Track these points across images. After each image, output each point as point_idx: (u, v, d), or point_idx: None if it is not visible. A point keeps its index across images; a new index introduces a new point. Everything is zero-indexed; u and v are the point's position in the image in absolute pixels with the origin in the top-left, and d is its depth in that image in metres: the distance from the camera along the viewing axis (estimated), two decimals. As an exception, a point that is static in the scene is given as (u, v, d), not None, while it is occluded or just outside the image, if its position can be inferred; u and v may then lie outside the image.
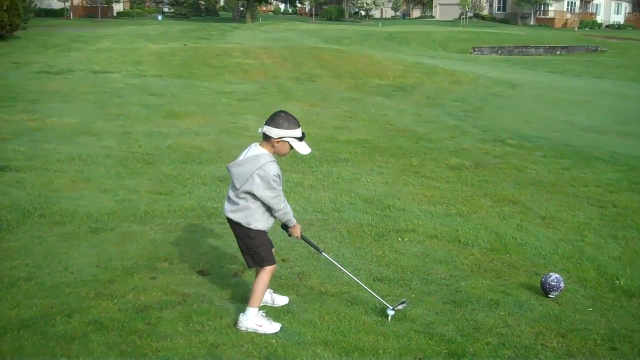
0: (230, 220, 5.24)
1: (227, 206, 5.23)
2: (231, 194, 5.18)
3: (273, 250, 5.35)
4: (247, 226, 5.15)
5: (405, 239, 7.83)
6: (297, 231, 5.41)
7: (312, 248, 5.77)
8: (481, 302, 6.10)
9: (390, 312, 5.53)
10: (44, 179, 9.37)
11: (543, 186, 10.99)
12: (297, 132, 5.04)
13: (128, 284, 5.87)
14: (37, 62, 24.70)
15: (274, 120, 5.02)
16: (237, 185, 5.07)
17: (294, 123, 5.04)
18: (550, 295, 6.38)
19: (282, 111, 5.11)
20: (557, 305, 6.23)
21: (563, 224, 8.97)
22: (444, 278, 6.68)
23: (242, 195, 5.08)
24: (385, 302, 5.62)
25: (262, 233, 5.23)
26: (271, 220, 5.25)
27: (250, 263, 5.33)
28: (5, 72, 21.34)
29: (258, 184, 4.99)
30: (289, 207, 5.22)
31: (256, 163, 4.99)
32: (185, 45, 33.56)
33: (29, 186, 8.97)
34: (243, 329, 5.12)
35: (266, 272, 5.24)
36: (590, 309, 6.24)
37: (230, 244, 6.91)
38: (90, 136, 12.59)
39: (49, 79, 20.74)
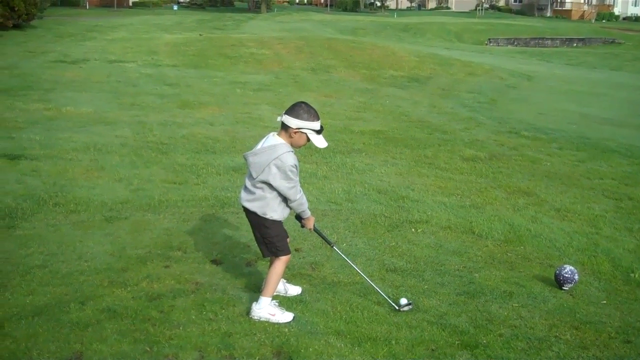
0: (246, 209, 5.23)
1: (244, 195, 5.21)
2: (248, 183, 5.16)
3: (288, 240, 5.34)
4: (263, 216, 5.14)
5: (419, 230, 7.80)
6: (310, 223, 5.38)
7: (324, 241, 5.75)
8: (494, 294, 6.07)
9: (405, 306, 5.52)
10: (59, 167, 9.42)
11: (558, 178, 10.93)
12: (316, 125, 5.00)
13: (141, 272, 5.89)
14: (52, 52, 24.80)
15: (294, 110, 4.98)
16: (254, 175, 5.05)
17: (314, 115, 5.00)
18: (564, 288, 6.34)
19: (302, 102, 5.08)
20: (571, 298, 6.20)
21: (578, 216, 8.92)
22: (458, 269, 6.66)
23: (259, 184, 5.06)
24: (391, 301, 5.59)
25: (277, 223, 5.22)
26: (287, 211, 5.24)
27: (265, 252, 5.32)
28: (21, 61, 21.43)
29: (275, 174, 4.97)
30: (304, 198, 5.19)
31: (273, 153, 4.96)
32: (201, 35, 33.60)
33: (44, 175, 9.02)
34: (256, 318, 5.12)
35: (281, 262, 5.23)
36: (605, 302, 6.20)
37: (244, 234, 6.93)
38: (105, 125, 12.64)
39: (64, 68, 20.81)
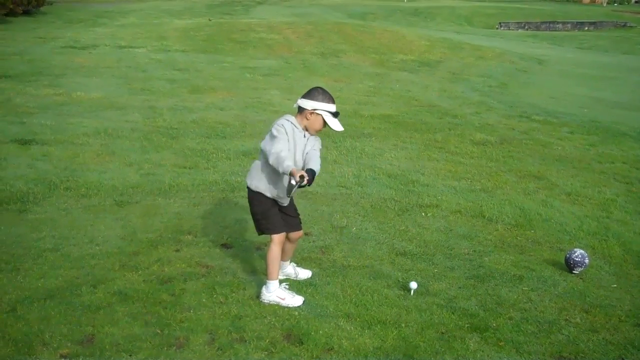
0: None
1: None
2: None
3: (279, 220, 5.19)
4: (249, 187, 5.16)
5: (429, 214, 7.80)
6: (296, 173, 4.65)
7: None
8: (504, 278, 6.07)
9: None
10: (70, 152, 9.45)
11: (569, 162, 10.89)
12: (332, 107, 5.00)
13: (152, 256, 5.93)
14: (62, 37, 24.79)
15: (310, 93, 5.01)
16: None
17: (330, 98, 5.01)
18: (574, 271, 6.34)
19: (319, 87, 5.10)
20: (581, 281, 6.20)
21: (589, 200, 8.90)
22: (467, 253, 6.66)
23: (259, 156, 5.14)
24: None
25: (261, 197, 5.11)
26: (277, 188, 5.07)
27: (256, 229, 5.31)
28: (31, 47, 21.44)
29: (266, 137, 5.01)
30: (285, 155, 4.77)
31: (274, 121, 5.01)
32: (210, 20, 33.53)
33: (55, 159, 9.05)
34: (265, 301, 5.15)
35: (272, 243, 5.16)
36: (615, 286, 6.19)
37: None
38: (116, 110, 12.66)
39: (74, 53, 20.81)
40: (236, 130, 11.53)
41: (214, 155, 9.88)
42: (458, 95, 18.00)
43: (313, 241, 6.62)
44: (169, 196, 7.82)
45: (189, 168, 9.11)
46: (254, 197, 5.16)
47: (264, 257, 5.37)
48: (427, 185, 9.04)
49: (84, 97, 13.67)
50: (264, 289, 5.20)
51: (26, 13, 32.42)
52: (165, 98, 14.35)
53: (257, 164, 5.14)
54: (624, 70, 26.61)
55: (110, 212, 7.12)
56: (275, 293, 5.16)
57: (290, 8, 50.10)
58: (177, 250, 6.09)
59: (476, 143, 11.85)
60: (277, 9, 49.66)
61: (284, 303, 5.13)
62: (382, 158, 10.44)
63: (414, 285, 5.50)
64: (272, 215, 5.19)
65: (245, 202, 7.12)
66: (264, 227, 5.20)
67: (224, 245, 6.32)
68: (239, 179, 8.55)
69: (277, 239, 5.17)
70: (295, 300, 5.17)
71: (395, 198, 8.33)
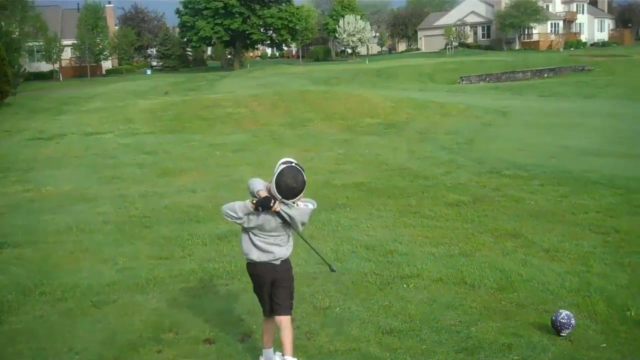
0: None
1: None
2: None
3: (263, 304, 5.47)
4: (288, 257, 5.53)
5: (411, 285, 7.75)
6: (262, 193, 5.15)
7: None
8: (493, 348, 6.01)
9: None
10: (42, 253, 9.32)
11: (543, 216, 10.94)
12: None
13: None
14: (28, 129, 24.79)
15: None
16: None
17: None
18: (562, 334, 6.29)
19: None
20: (570, 344, 6.15)
21: (567, 255, 8.90)
22: (454, 324, 6.59)
23: None
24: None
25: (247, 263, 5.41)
26: (253, 250, 5.26)
27: (289, 308, 5.52)
28: (-3, 142, 21.40)
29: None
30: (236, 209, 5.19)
31: (307, 211, 5.40)
32: (166, 93, 33.67)
33: (28, 262, 8.92)
34: None
35: (290, 321, 5.50)
36: (604, 345, 6.14)
37: (235, 307, 6.87)
38: (86, 202, 12.57)
39: (41, 145, 20.79)
40: (209, 213, 11.46)
41: (189, 241, 9.79)
42: (427, 155, 18.15)
43: (297, 326, 6.51)
44: (146, 291, 7.69)
45: (165, 258, 9.01)
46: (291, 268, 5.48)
47: (250, 349, 5.28)
48: (406, 254, 9.01)
49: (54, 192, 13.57)
50: None
51: (-10, 106, 32.41)
52: (136, 185, 14.29)
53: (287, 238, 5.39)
54: (587, 115, 27.02)
55: (88, 315, 6.98)
56: None
57: (254, 79, 50.70)
58: (159, 352, 5.97)
59: (450, 204, 11.88)
60: (242, 80, 50.26)
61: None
62: (359, 229, 10.42)
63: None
64: (257, 292, 5.52)
65: (225, 291, 7.04)
66: (292, 302, 5.50)
67: (207, 341, 6.19)
68: (216, 265, 8.47)
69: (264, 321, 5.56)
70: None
71: (376, 271, 8.27)
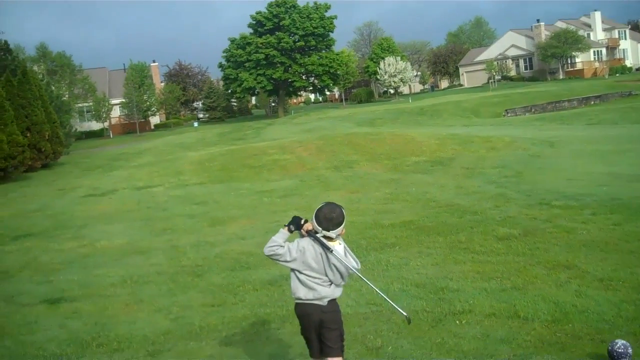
0: None
1: None
2: None
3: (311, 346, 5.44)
4: (336, 298, 5.50)
5: (463, 321, 7.69)
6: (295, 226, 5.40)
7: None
8: (549, 380, 5.92)
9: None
10: (98, 305, 9.52)
11: (596, 246, 10.77)
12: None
13: (190, 407, 5.86)
14: (81, 186, 25.40)
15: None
16: None
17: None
18: (620, 364, 6.17)
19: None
20: (629, 374, 6.02)
21: (622, 284, 8.73)
22: (508, 359, 6.52)
23: None
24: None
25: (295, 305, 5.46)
26: (299, 287, 5.35)
27: (340, 350, 5.48)
28: (52, 201, 21.95)
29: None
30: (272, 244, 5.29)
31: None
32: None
33: (85, 315, 9.11)
34: None
35: None
36: (664, 373, 6.01)
37: (287, 350, 6.89)
38: (140, 255, 12.81)
39: (94, 201, 21.27)
40: (260, 259, 11.55)
41: (241, 288, 9.89)
42: (475, 190, 18.05)
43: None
44: (200, 338, 7.79)
45: (217, 305, 9.12)
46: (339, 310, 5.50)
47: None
48: (457, 291, 8.95)
49: (108, 246, 13.87)
50: None
51: (44, 166, 33.33)
52: (187, 235, 14.52)
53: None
54: (636, 141, 26.60)
55: (144, 365, 7.10)
56: None
57: (299, 125, 51.17)
58: (215, 398, 6.02)
59: (500, 238, 11.78)
60: (287, 127, 50.75)
61: None
62: (408, 267, 10.39)
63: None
64: (304, 334, 5.50)
65: (276, 335, 7.08)
66: (343, 344, 5.48)
67: (261, 386, 6.24)
68: (268, 310, 8.53)
69: None
70: None
71: (427, 309, 8.23)
